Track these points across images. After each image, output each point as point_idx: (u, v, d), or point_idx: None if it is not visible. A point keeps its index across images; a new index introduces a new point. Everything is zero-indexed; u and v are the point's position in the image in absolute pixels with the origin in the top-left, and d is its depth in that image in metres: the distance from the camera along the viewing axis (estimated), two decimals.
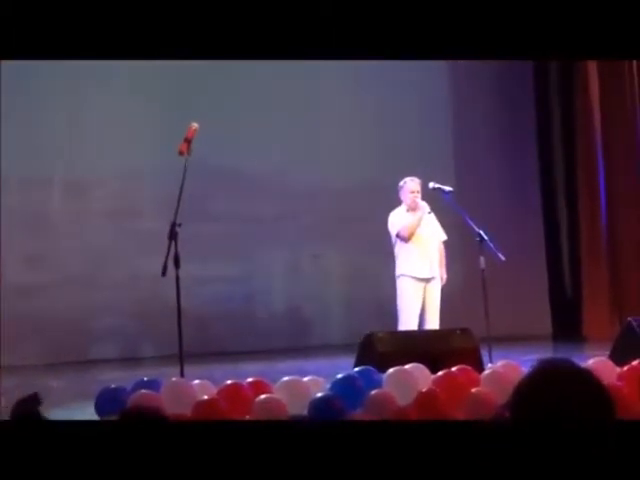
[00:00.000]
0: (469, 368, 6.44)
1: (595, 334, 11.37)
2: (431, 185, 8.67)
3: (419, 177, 8.81)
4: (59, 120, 11.24)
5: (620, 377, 6.12)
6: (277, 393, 5.97)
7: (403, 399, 5.70)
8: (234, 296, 11.78)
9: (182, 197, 6.87)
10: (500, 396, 5.35)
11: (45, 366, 10.18)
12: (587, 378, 1.98)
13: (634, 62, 11.92)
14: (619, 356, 7.09)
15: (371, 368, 6.50)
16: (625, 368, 6.28)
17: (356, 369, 6.62)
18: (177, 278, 6.80)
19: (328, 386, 6.13)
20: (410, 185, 8.73)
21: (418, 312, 8.57)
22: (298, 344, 11.55)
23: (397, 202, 8.81)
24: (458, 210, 8.36)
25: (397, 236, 8.67)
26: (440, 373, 6.24)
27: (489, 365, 7.08)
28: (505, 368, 6.52)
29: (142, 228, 11.06)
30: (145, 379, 6.39)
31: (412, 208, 8.70)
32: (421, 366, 6.47)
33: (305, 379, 6.30)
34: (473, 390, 5.81)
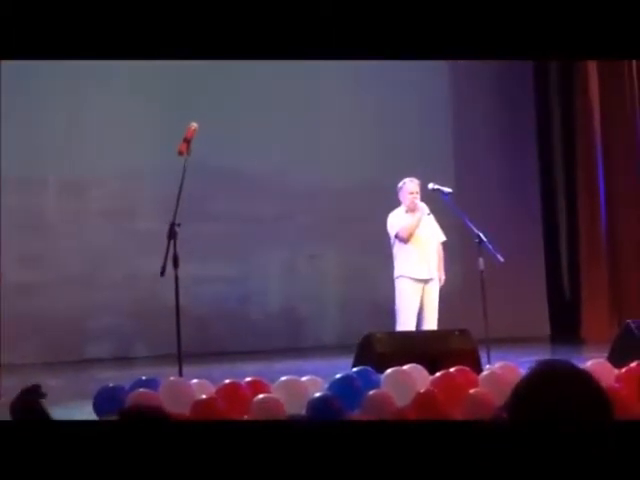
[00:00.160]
0: (467, 369, 6.43)
1: (594, 336, 11.34)
2: (430, 186, 8.64)
3: (419, 177, 8.80)
4: (59, 120, 11.23)
5: (618, 379, 6.12)
6: (275, 393, 5.97)
7: (401, 400, 5.70)
8: (233, 296, 11.77)
9: (181, 197, 6.87)
10: (498, 397, 5.35)
11: (44, 365, 10.17)
12: (585, 379, 1.98)
13: (634, 62, 11.91)
14: (617, 358, 7.09)
15: (369, 368, 6.50)
16: (623, 370, 6.28)
17: (354, 369, 6.63)
18: (176, 278, 6.79)
19: (326, 386, 6.13)
20: (409, 186, 8.72)
21: (416, 313, 8.57)
22: (297, 344, 11.57)
23: (396, 203, 8.80)
24: (457, 212, 8.35)
25: (396, 237, 8.67)
26: (438, 374, 6.23)
27: (487, 366, 7.07)
28: (503, 369, 6.51)
29: (141, 228, 11.06)
30: (143, 378, 6.38)
31: (411, 209, 8.69)
32: (419, 367, 6.46)
33: (303, 379, 6.29)
34: (471, 391, 5.80)
